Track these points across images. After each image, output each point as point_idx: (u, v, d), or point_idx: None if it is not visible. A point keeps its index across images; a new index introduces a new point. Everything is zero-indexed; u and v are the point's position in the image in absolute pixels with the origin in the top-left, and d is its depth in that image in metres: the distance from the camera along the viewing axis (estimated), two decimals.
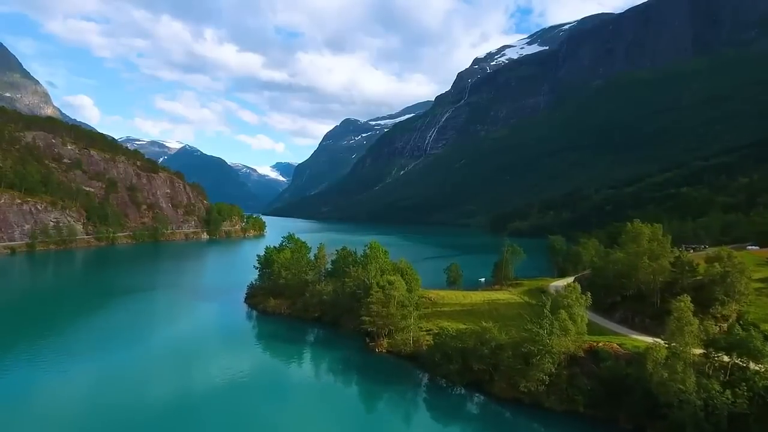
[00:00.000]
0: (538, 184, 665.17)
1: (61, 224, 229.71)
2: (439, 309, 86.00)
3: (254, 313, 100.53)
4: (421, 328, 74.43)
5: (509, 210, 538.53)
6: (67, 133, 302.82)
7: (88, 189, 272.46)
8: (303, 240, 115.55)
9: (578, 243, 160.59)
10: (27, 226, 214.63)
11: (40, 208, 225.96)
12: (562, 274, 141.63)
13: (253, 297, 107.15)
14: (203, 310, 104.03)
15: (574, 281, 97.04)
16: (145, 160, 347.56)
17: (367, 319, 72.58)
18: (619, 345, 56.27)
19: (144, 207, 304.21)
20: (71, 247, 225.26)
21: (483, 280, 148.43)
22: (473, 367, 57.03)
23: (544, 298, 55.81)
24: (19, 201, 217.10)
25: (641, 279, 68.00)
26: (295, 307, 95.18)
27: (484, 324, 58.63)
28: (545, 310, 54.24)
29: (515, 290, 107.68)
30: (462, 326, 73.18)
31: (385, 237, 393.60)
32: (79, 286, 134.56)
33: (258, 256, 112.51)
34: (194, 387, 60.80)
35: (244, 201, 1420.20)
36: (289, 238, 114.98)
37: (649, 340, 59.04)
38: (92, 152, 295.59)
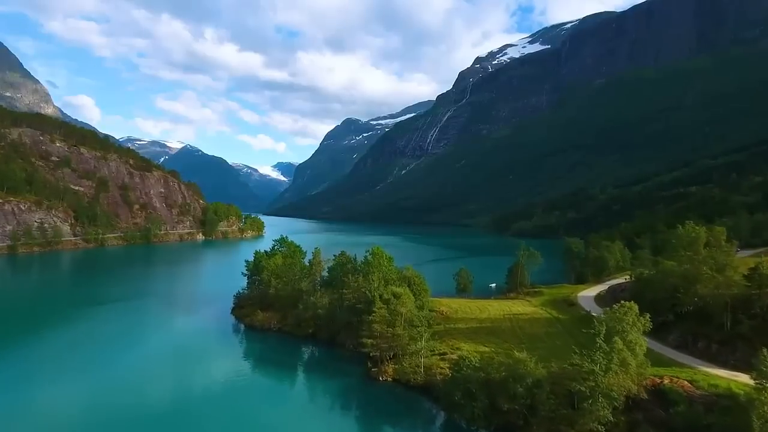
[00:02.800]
0: (540, 183, 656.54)
1: (45, 225, 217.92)
2: (452, 325, 73.86)
3: (241, 326, 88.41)
4: (433, 350, 62.48)
5: (512, 210, 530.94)
6: (56, 130, 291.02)
7: (77, 188, 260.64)
8: (297, 243, 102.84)
9: (593, 245, 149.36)
10: (9, 227, 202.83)
11: (23, 208, 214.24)
12: (580, 280, 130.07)
13: (240, 308, 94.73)
14: (183, 323, 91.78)
15: (607, 292, 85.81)
16: (138, 159, 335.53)
17: (368, 341, 60.53)
18: (690, 382, 44.44)
19: (136, 207, 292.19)
20: (57, 249, 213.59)
21: (494, 285, 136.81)
22: (502, 407, 45.17)
23: (596, 323, 43.70)
24: (0, 200, 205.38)
25: (702, 294, 56.09)
26: (286, 322, 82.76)
27: (517, 354, 46.64)
28: (599, 340, 42.27)
29: (535, 300, 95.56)
30: (483, 349, 61.52)
31: (387, 237, 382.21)
32: (50, 294, 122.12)
33: (246, 261, 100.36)
34: (159, 426, 49.11)
35: (245, 201, 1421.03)
36: (282, 241, 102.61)
37: (724, 373, 47.34)
38: (82, 150, 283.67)
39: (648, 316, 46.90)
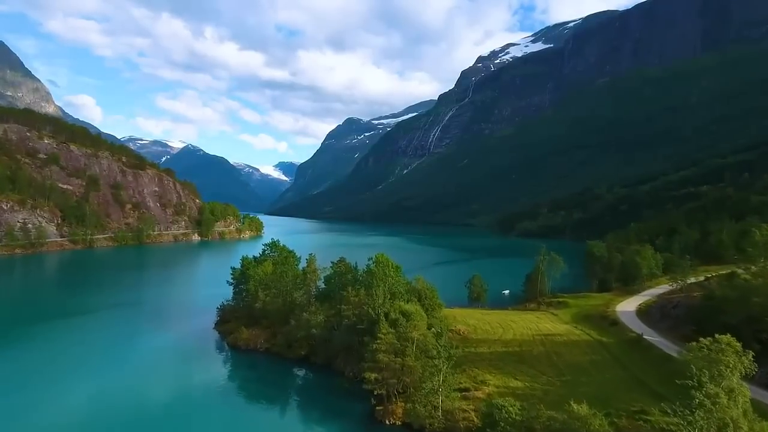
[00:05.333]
0: (544, 183, 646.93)
1: (29, 225, 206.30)
2: (473, 349, 61.24)
3: (225, 344, 76.11)
4: (450, 385, 50.06)
5: (516, 210, 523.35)
6: (45, 127, 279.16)
7: (65, 187, 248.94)
8: (290, 248, 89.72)
9: (617, 248, 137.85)
10: None
11: (5, 208, 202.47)
12: (603, 288, 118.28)
13: (224, 323, 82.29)
14: (157, 340, 78.73)
15: (655, 307, 73.58)
16: (131, 157, 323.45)
17: (371, 375, 48.17)
18: None
19: (129, 206, 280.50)
20: (41, 251, 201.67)
21: (507, 292, 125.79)
22: None
23: (695, 371, 31.41)
24: None
25: None
26: (275, 341, 70.48)
27: (575, 407, 34.55)
28: (699, 395, 30.17)
29: (561, 314, 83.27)
30: (515, 383, 49.56)
31: (389, 238, 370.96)
32: (15, 303, 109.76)
33: (232, 268, 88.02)
34: None
35: (246, 201, 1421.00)
36: (273, 245, 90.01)
37: None
38: (72, 147, 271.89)
39: (751, 355, 34.87)
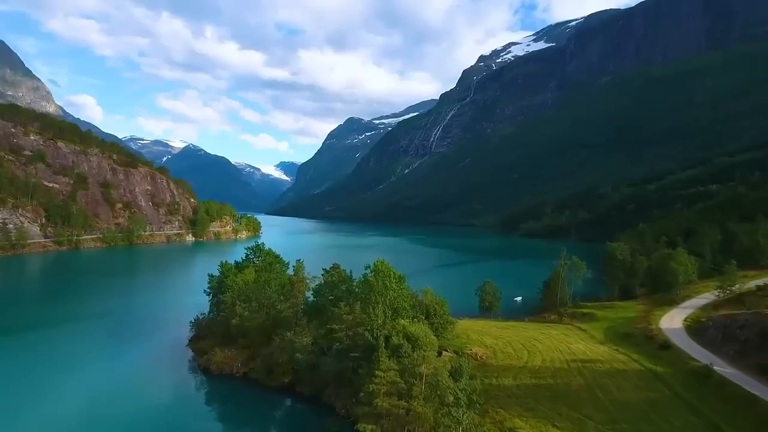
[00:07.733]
0: (547, 183, 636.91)
1: (10, 225, 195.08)
2: (494, 380, 49.12)
3: (197, 366, 64.34)
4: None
5: (518, 210, 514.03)
6: (31, 122, 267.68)
7: (51, 185, 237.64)
8: (277, 253, 77.84)
9: (640, 251, 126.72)
10: None
11: None
12: (626, 295, 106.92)
13: (199, 340, 70.57)
14: (122, 360, 66.44)
15: (713, 325, 61.72)
16: (122, 154, 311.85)
17: (368, 428, 36.64)
18: None
19: (119, 206, 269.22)
20: (23, 253, 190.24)
21: (520, 299, 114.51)
22: None
23: None
24: None
25: None
26: (254, 364, 58.68)
27: None
28: None
29: (591, 329, 71.36)
30: (551, 430, 37.98)
31: (389, 239, 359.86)
32: None
33: (210, 276, 76.12)
34: None
35: (247, 200, 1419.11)
36: (257, 249, 78.20)
37: None
38: (60, 144, 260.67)
39: None
